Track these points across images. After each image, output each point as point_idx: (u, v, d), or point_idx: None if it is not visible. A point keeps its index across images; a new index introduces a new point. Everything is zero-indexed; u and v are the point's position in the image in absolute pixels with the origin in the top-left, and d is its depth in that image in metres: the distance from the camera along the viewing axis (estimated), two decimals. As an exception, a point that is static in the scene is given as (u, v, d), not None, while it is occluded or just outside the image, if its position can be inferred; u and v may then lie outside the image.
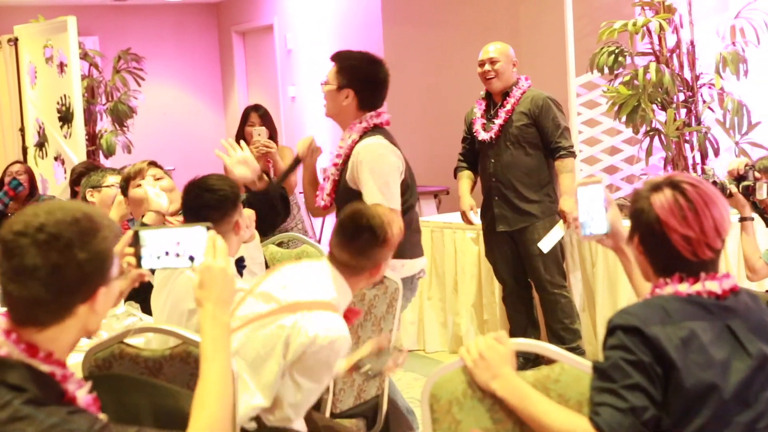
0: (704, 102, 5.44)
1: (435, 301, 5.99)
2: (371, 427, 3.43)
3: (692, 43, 5.46)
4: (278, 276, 2.79)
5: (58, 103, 7.38)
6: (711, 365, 1.90)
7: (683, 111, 5.46)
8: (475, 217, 5.33)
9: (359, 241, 2.76)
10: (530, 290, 5.35)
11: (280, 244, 4.67)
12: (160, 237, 1.99)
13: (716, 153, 5.39)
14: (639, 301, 2.03)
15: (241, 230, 3.10)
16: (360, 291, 3.26)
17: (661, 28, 5.32)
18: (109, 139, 7.54)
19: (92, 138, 7.56)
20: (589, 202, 2.28)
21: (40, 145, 7.72)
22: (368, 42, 7.80)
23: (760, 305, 2.04)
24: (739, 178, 3.64)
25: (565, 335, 5.15)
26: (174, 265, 2.02)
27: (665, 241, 1.99)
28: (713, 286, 1.99)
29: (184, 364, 2.52)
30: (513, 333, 5.25)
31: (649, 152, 5.51)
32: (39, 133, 7.73)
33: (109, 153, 7.57)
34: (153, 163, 4.00)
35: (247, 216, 3.19)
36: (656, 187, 2.03)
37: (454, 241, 5.83)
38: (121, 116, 7.62)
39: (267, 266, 4.00)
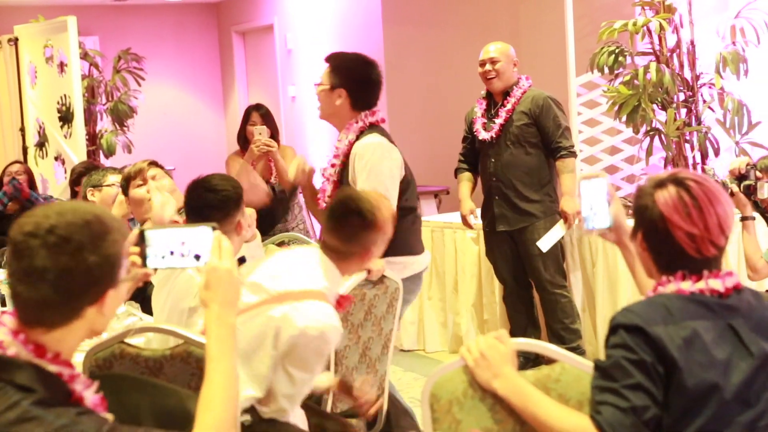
0: (704, 102, 5.44)
1: (435, 300, 5.99)
2: (372, 426, 3.43)
3: (692, 42, 5.46)
4: (268, 266, 2.78)
5: (58, 102, 7.38)
6: (713, 365, 1.90)
7: (683, 111, 5.45)
8: (475, 221, 5.35)
9: (348, 226, 2.75)
10: (530, 290, 5.35)
11: (280, 244, 4.67)
12: (165, 237, 1.99)
13: (716, 153, 5.39)
14: (641, 299, 2.03)
15: (243, 230, 3.11)
16: (360, 291, 3.26)
17: (662, 27, 5.32)
18: (110, 138, 7.54)
19: (92, 138, 7.56)
20: (592, 196, 2.27)
21: (41, 144, 7.73)
22: (368, 42, 7.80)
23: (762, 303, 2.04)
24: (740, 178, 3.64)
25: (566, 335, 5.15)
26: (179, 265, 2.01)
27: (669, 238, 1.98)
28: (716, 284, 1.98)
29: (184, 364, 2.52)
30: (513, 333, 5.25)
31: (649, 152, 5.51)
32: (39, 132, 7.73)
33: (110, 153, 7.57)
34: (153, 163, 4.00)
35: (248, 215, 3.19)
36: (660, 184, 2.03)
37: (455, 241, 5.83)
38: (121, 116, 7.62)
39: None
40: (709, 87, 5.43)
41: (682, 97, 5.45)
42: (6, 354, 1.67)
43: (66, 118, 7.34)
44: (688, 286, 1.98)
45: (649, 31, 5.39)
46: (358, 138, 3.74)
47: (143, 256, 2.00)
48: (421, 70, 8.03)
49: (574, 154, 5.14)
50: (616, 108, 5.38)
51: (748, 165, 3.66)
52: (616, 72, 5.45)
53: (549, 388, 2.05)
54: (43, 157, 7.73)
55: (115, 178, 4.37)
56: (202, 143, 10.52)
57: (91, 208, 1.74)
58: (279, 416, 2.60)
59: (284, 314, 2.55)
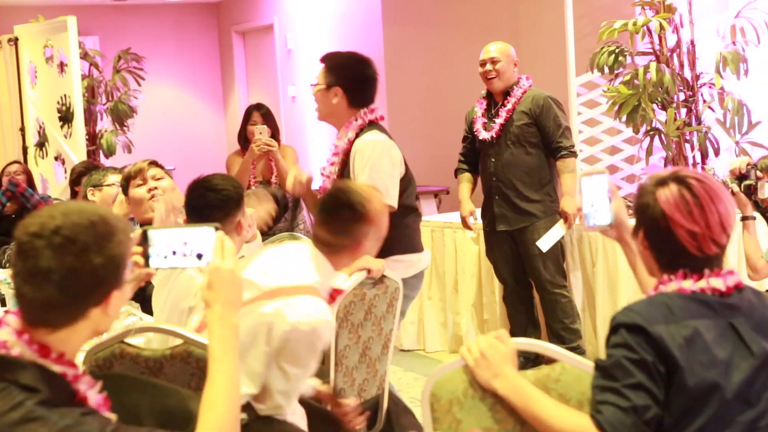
0: (704, 101, 5.44)
1: (435, 300, 5.99)
2: (372, 426, 3.43)
3: (692, 42, 5.46)
4: (259, 262, 2.77)
5: (58, 102, 7.38)
6: (714, 364, 1.90)
7: (683, 110, 5.45)
8: (475, 223, 5.36)
9: (339, 219, 2.75)
10: (530, 290, 5.35)
11: (280, 244, 4.66)
12: (168, 237, 1.99)
13: (716, 152, 5.39)
14: (642, 298, 2.02)
15: (243, 230, 3.11)
16: (360, 291, 3.26)
17: (662, 27, 5.32)
18: (110, 138, 7.54)
19: (92, 138, 7.56)
20: (593, 193, 2.27)
21: (41, 144, 7.73)
22: (368, 42, 7.80)
23: (763, 302, 2.03)
24: (740, 177, 3.64)
25: (566, 335, 5.15)
26: (181, 265, 2.02)
27: (670, 236, 1.98)
28: (717, 283, 1.98)
29: (184, 364, 2.52)
30: (513, 332, 5.25)
31: (649, 152, 5.51)
32: (39, 132, 7.73)
33: (110, 153, 7.57)
34: (154, 163, 4.00)
35: (248, 215, 3.19)
36: (662, 182, 2.02)
37: (455, 241, 5.83)
38: (121, 116, 7.62)
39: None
40: (709, 87, 5.43)
41: (682, 96, 5.45)
42: (10, 354, 1.68)
43: (66, 118, 7.34)
44: (689, 284, 1.98)
45: (649, 30, 5.39)
46: (357, 135, 3.75)
47: (146, 255, 2.00)
48: (421, 70, 8.03)
49: (574, 154, 5.14)
50: (616, 108, 5.38)
51: (748, 165, 3.65)
52: (616, 72, 5.45)
53: (549, 387, 2.05)
54: (43, 157, 7.73)
55: (115, 178, 4.36)
56: (202, 143, 10.52)
57: (96, 209, 1.74)
58: (276, 413, 2.58)
59: (276, 310, 2.54)
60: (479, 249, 5.65)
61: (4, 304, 3.76)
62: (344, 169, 3.75)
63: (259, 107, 5.83)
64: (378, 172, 3.63)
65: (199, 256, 1.97)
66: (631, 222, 2.17)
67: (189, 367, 2.51)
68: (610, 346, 1.93)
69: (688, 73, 5.46)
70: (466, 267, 5.79)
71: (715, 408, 1.89)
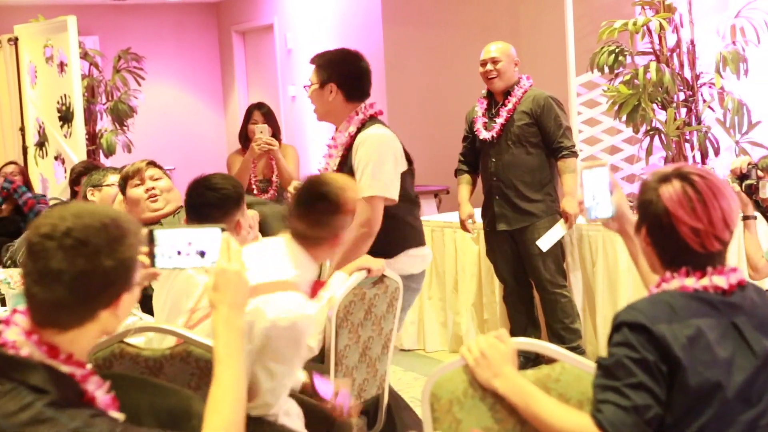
0: (704, 101, 5.43)
1: (435, 300, 5.99)
2: (372, 425, 3.43)
3: (692, 42, 5.45)
4: None
5: (58, 102, 7.38)
6: (716, 364, 1.90)
7: (683, 110, 5.45)
8: (473, 226, 5.37)
9: (316, 211, 2.74)
10: (531, 290, 5.35)
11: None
12: (173, 237, 1.99)
13: (716, 152, 5.39)
14: (645, 296, 2.02)
15: (242, 230, 3.10)
16: (360, 291, 3.26)
17: (662, 27, 5.31)
18: (110, 138, 7.54)
19: (92, 137, 7.56)
20: (594, 185, 2.26)
21: (41, 144, 7.73)
22: (368, 42, 7.80)
23: (765, 301, 2.03)
24: (741, 177, 3.64)
25: (566, 335, 5.15)
26: (186, 265, 2.02)
27: (673, 233, 1.97)
28: (720, 281, 1.98)
29: (184, 364, 2.52)
30: (513, 332, 5.25)
31: (649, 151, 5.51)
32: (39, 132, 7.73)
33: (110, 152, 7.57)
34: (152, 163, 4.01)
35: (250, 216, 3.18)
36: (664, 179, 2.01)
37: (455, 241, 5.83)
38: (121, 116, 7.62)
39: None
40: (709, 86, 5.42)
41: (682, 96, 5.45)
42: (19, 354, 1.67)
43: (66, 117, 7.34)
44: (691, 282, 1.97)
45: (649, 30, 5.39)
46: (359, 130, 3.75)
47: (151, 256, 2.00)
48: (421, 70, 8.03)
49: (575, 154, 5.14)
50: (616, 107, 5.37)
51: (749, 164, 3.65)
52: (616, 71, 5.45)
53: (549, 387, 2.05)
54: (43, 157, 7.73)
55: (115, 178, 4.36)
56: (202, 143, 10.53)
57: (108, 211, 1.74)
58: (265, 412, 2.57)
59: (255, 308, 2.52)
60: (479, 249, 5.65)
61: (4, 304, 3.76)
62: (345, 163, 3.75)
63: (260, 106, 5.84)
64: (381, 165, 3.63)
65: (202, 254, 1.97)
66: (635, 217, 2.16)
67: (189, 367, 2.51)
68: (612, 345, 1.93)
69: (688, 73, 5.46)
70: (466, 267, 5.79)
71: (716, 408, 1.88)
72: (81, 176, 5.12)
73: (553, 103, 5.11)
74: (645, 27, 5.33)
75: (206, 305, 2.81)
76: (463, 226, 5.39)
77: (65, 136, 7.38)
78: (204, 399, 2.01)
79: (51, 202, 6.23)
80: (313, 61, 3.90)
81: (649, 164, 5.63)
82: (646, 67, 5.27)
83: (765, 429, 1.92)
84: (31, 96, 7.79)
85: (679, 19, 5.43)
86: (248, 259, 2.72)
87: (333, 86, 3.78)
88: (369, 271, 3.29)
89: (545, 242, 5.06)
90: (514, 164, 5.15)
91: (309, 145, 8.65)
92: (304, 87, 3.91)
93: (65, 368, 1.68)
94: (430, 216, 6.42)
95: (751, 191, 3.62)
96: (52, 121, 7.48)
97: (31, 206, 6.01)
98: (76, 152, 7.19)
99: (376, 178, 3.61)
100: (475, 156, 5.35)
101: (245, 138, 5.75)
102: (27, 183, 6.56)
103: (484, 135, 5.19)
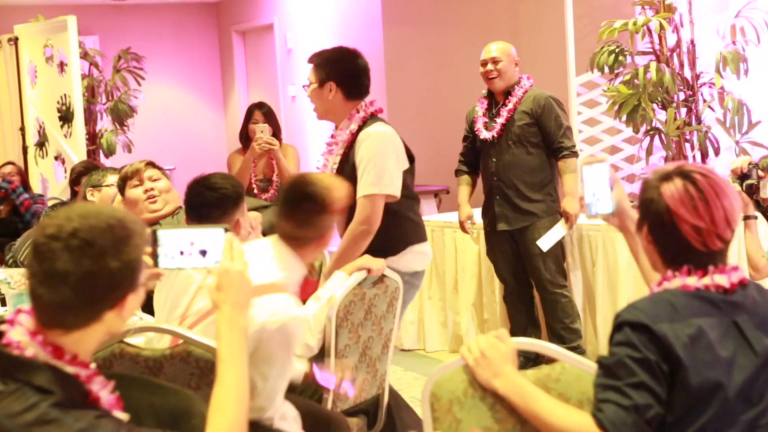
0: (704, 101, 5.43)
1: (435, 300, 5.99)
2: (372, 425, 3.43)
3: (692, 42, 5.45)
4: None
5: (58, 102, 7.38)
6: (717, 363, 1.89)
7: (683, 110, 5.45)
8: (472, 227, 5.38)
9: (302, 212, 2.75)
10: (531, 289, 5.35)
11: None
12: (176, 237, 1.99)
13: (716, 152, 5.39)
14: (647, 295, 2.01)
15: (242, 229, 3.10)
16: (360, 290, 3.26)
17: (662, 27, 5.31)
18: (110, 138, 7.54)
19: (92, 137, 7.56)
20: (594, 181, 2.26)
21: (41, 144, 7.72)
22: (368, 42, 7.80)
23: (767, 299, 2.03)
24: (742, 177, 3.63)
25: (566, 335, 5.15)
26: (189, 266, 2.02)
27: (675, 231, 1.97)
28: (721, 279, 1.97)
29: (184, 364, 2.52)
30: (513, 332, 5.25)
31: (649, 151, 5.51)
32: (39, 132, 7.73)
33: (110, 152, 7.57)
34: (150, 164, 4.01)
35: (252, 218, 3.18)
36: (666, 177, 2.01)
37: (455, 240, 5.83)
38: (121, 115, 7.62)
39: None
40: (709, 86, 5.42)
41: (682, 96, 5.45)
42: (24, 354, 1.67)
43: (66, 117, 7.34)
44: (693, 281, 1.97)
45: (649, 30, 5.39)
46: (361, 128, 3.75)
47: (155, 256, 2.00)
48: (421, 70, 8.03)
49: (576, 154, 5.13)
50: (616, 107, 5.37)
51: (750, 164, 3.65)
52: (616, 71, 5.45)
53: (549, 387, 2.05)
54: (43, 157, 7.73)
55: (114, 178, 4.36)
56: (202, 143, 10.53)
57: (114, 212, 1.74)
58: (260, 416, 2.57)
59: None
60: (479, 248, 5.65)
61: (4, 304, 3.76)
62: (346, 160, 3.75)
63: (260, 106, 5.84)
64: (383, 163, 3.64)
65: (203, 253, 1.97)
66: (635, 213, 2.16)
67: (189, 366, 2.51)
68: (613, 344, 1.92)
69: (688, 73, 5.46)
70: (466, 266, 5.79)
71: (717, 407, 1.88)
72: (81, 176, 5.12)
73: (554, 103, 5.11)
74: (645, 27, 5.33)
75: (200, 309, 2.81)
76: (462, 227, 5.40)
77: (65, 136, 7.38)
78: (204, 399, 2.01)
79: (50, 202, 6.23)
80: (310, 60, 3.89)
81: (649, 164, 5.63)
82: (646, 67, 5.27)
83: (765, 428, 1.92)
84: (31, 96, 7.79)
85: (679, 19, 5.43)
86: None
87: (332, 85, 3.77)
88: (369, 271, 3.29)
89: (546, 242, 5.06)
90: (515, 164, 5.14)
91: (309, 145, 8.65)
92: (303, 86, 3.91)
93: (70, 369, 1.68)
94: (430, 216, 6.42)
95: (752, 191, 3.62)
96: (52, 121, 7.48)
97: (27, 207, 6.01)
98: (76, 152, 7.19)
99: (379, 175, 3.62)
100: (475, 156, 5.35)
101: (246, 137, 5.75)
102: (25, 183, 6.56)
103: (484, 135, 5.19)
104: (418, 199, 3.92)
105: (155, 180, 3.93)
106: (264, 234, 3.40)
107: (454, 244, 5.83)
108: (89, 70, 7.68)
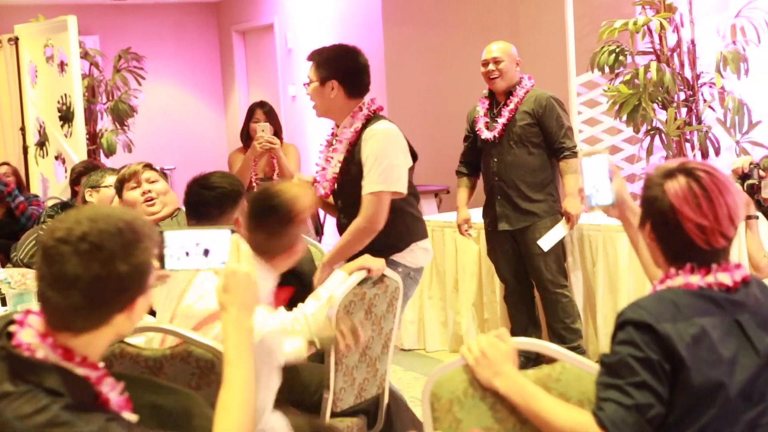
0: (705, 101, 5.43)
1: (435, 300, 5.99)
2: (372, 425, 3.43)
3: (693, 42, 5.45)
4: (195, 287, 2.77)
5: (58, 102, 7.38)
6: (719, 363, 1.89)
7: (684, 110, 5.45)
8: (469, 231, 5.39)
9: (268, 224, 2.75)
10: (531, 289, 5.35)
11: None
12: (182, 238, 1.99)
13: (717, 152, 5.39)
14: (650, 294, 2.00)
15: (242, 228, 3.10)
16: (360, 290, 3.26)
17: (662, 27, 5.31)
18: (110, 138, 7.54)
19: (93, 137, 7.56)
20: (594, 173, 2.26)
21: (41, 144, 7.73)
22: (368, 42, 7.80)
23: None
24: (743, 177, 3.64)
25: (566, 335, 5.14)
26: (195, 267, 2.01)
27: (678, 229, 1.96)
28: (724, 278, 1.97)
29: (184, 364, 2.52)
30: (514, 332, 5.25)
31: (649, 151, 5.51)
32: (40, 132, 7.73)
33: (110, 152, 7.57)
34: (148, 166, 4.00)
35: None
36: (669, 174, 2.00)
37: (455, 240, 5.83)
38: (121, 115, 7.62)
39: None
40: (710, 86, 5.42)
41: (682, 96, 5.45)
42: (34, 357, 1.67)
43: (66, 117, 7.34)
44: (696, 280, 1.96)
45: (650, 30, 5.39)
46: (364, 126, 3.74)
47: (161, 257, 2.00)
48: (421, 70, 8.03)
49: (576, 155, 5.13)
50: (617, 107, 5.37)
51: (751, 164, 3.65)
52: (616, 71, 5.45)
53: (550, 387, 2.05)
54: (43, 157, 7.73)
55: (113, 179, 4.36)
56: (202, 143, 10.53)
57: (123, 215, 1.73)
58: None
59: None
60: (479, 248, 5.65)
61: (4, 304, 3.76)
62: (350, 158, 3.74)
63: (262, 105, 5.84)
64: (389, 160, 3.63)
65: (206, 252, 1.97)
66: (635, 203, 2.15)
67: (189, 366, 2.51)
68: (616, 343, 1.92)
69: (688, 73, 5.46)
70: (467, 266, 5.79)
71: (718, 407, 1.88)
72: (81, 176, 5.12)
73: (555, 104, 5.11)
74: (645, 27, 5.33)
75: (203, 310, 2.80)
76: (460, 230, 5.40)
77: (66, 136, 7.38)
78: (205, 399, 2.01)
79: (49, 202, 6.22)
80: (311, 57, 3.85)
81: (650, 164, 5.63)
82: (647, 67, 5.27)
83: (766, 428, 1.92)
84: (32, 96, 7.79)
85: (679, 19, 5.43)
86: (203, 283, 2.72)
87: (334, 83, 3.75)
88: (369, 271, 3.28)
89: (546, 242, 5.06)
90: (516, 164, 5.14)
91: (309, 145, 8.65)
92: (304, 84, 3.88)
93: (80, 371, 1.68)
94: (430, 216, 6.41)
95: (753, 191, 3.62)
96: (52, 120, 7.48)
97: (22, 210, 5.99)
98: (77, 152, 7.19)
99: (385, 172, 3.61)
100: (475, 156, 5.34)
101: (247, 136, 5.75)
102: (21, 184, 6.55)
103: (486, 135, 5.19)
104: (417, 196, 3.93)
105: (153, 182, 3.92)
106: None
107: (455, 243, 5.83)
108: (89, 70, 7.69)
